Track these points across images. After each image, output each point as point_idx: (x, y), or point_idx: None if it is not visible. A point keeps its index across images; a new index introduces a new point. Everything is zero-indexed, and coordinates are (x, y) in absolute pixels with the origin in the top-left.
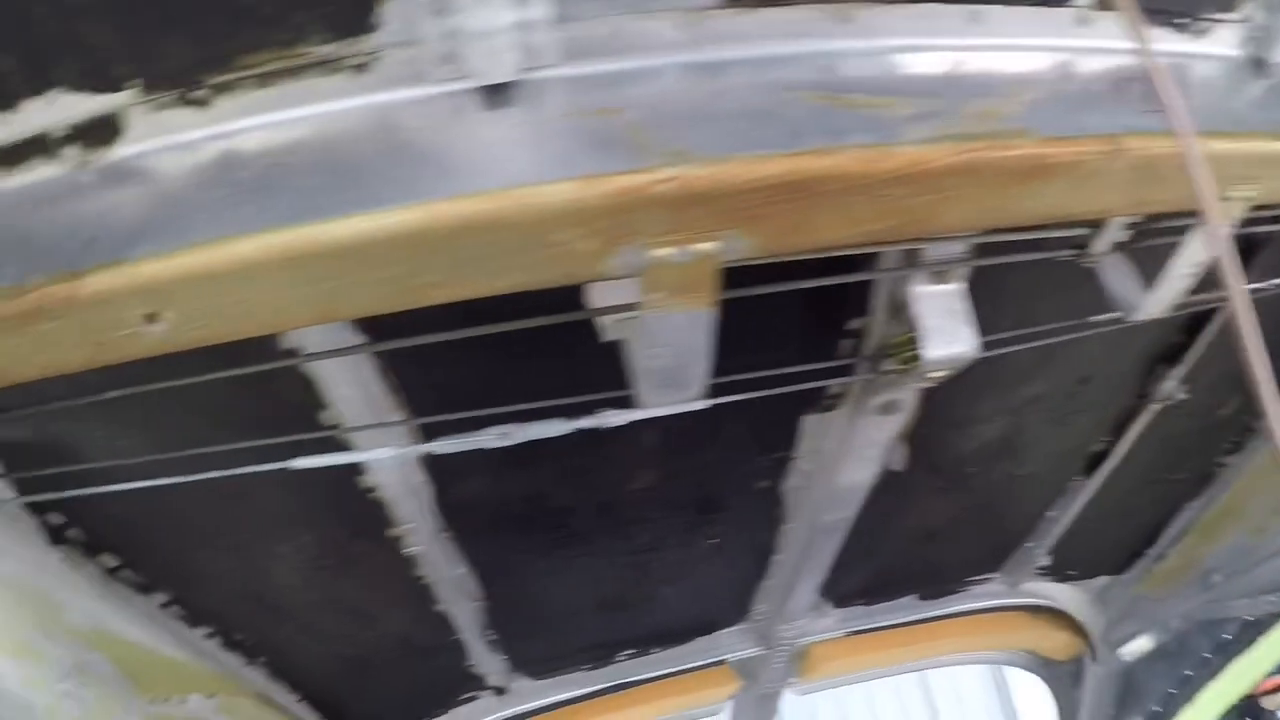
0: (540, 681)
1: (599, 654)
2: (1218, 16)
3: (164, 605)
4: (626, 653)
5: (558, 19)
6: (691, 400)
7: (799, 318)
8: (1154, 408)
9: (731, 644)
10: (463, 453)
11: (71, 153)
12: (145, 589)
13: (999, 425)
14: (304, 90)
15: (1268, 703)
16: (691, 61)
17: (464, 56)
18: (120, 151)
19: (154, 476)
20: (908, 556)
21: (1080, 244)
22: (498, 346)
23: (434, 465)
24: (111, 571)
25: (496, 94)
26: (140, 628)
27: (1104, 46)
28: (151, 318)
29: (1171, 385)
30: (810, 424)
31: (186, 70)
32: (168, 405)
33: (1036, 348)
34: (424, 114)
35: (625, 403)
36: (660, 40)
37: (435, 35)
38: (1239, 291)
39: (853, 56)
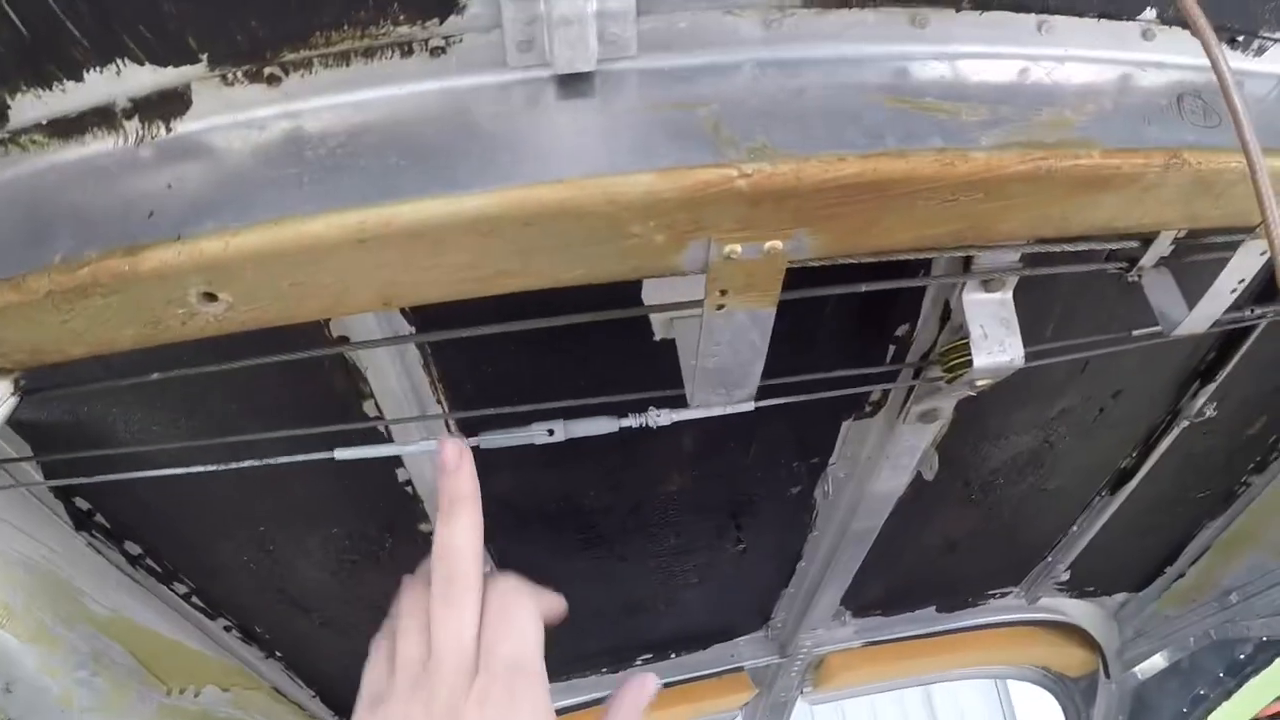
0: (557, 684)
1: (617, 657)
2: (1277, 36)
3: (185, 595)
4: (644, 657)
5: (639, 11)
6: (744, 401)
7: (847, 321)
8: (1183, 424)
9: (750, 651)
10: (499, 449)
11: (134, 126)
12: (167, 578)
13: (1030, 437)
14: (379, 71)
15: None
16: (770, 59)
17: (544, 44)
18: (186, 127)
19: (186, 463)
20: (929, 568)
21: (1129, 256)
22: (543, 342)
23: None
24: (134, 560)
25: (575, 83)
26: (160, 617)
27: (1167, 61)
28: (209, 297)
29: (1202, 402)
30: (849, 430)
31: (261, 46)
32: (206, 391)
33: (1073, 360)
34: (501, 100)
35: (674, 403)
36: (740, 36)
37: (516, 21)
38: None
39: (927, 60)
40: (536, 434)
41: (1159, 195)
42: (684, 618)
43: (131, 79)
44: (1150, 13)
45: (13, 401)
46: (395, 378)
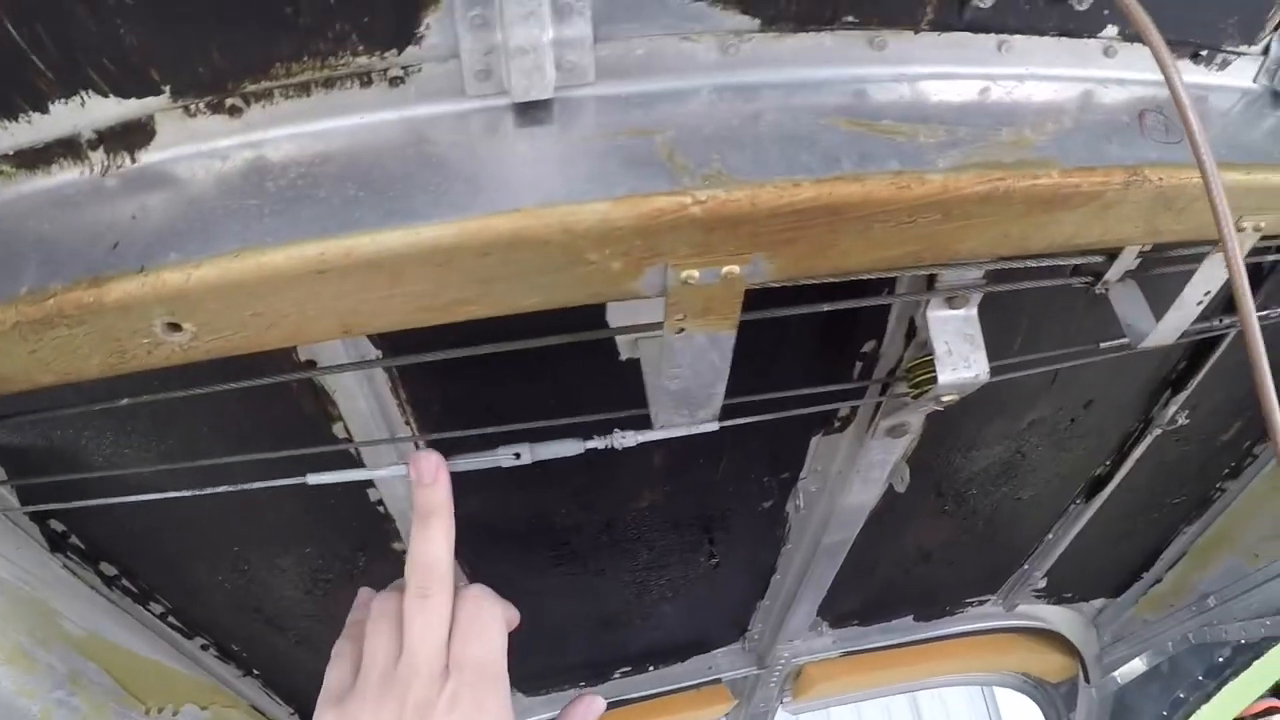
0: (535, 698)
1: (595, 671)
2: (1240, 50)
3: (161, 615)
4: (622, 670)
5: (597, 38)
6: (707, 421)
7: (813, 339)
8: (1156, 432)
9: (728, 663)
10: (471, 471)
11: (99, 156)
12: (143, 598)
13: (1002, 448)
14: (339, 101)
15: None
16: (727, 84)
17: (502, 73)
18: (150, 157)
19: (160, 487)
20: (904, 578)
21: (1094, 271)
22: (511, 363)
23: None
24: (109, 580)
25: (533, 111)
26: (137, 637)
27: (1129, 77)
28: (174, 327)
29: (1174, 410)
30: (818, 445)
31: (222, 77)
32: (176, 415)
33: (1043, 372)
34: (459, 129)
35: (639, 423)
36: (696, 62)
37: (474, 51)
38: (1251, 317)
39: (885, 82)
40: (503, 457)
41: (1120, 212)
42: (660, 631)
43: (96, 110)
44: (1112, 30)
45: None
46: (363, 400)
